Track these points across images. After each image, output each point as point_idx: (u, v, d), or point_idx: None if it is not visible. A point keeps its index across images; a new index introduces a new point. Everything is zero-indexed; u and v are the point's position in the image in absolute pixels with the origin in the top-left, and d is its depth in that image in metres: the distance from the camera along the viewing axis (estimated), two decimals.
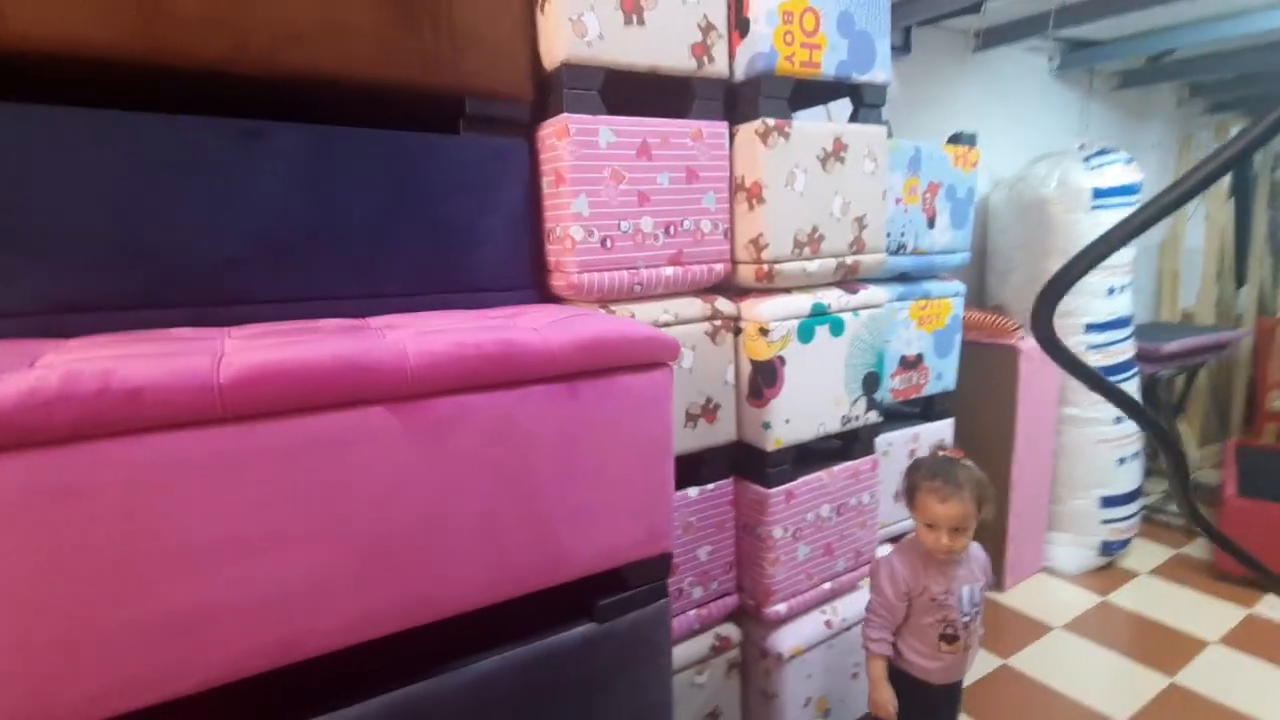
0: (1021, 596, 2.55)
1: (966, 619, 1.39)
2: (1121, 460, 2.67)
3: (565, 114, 1.28)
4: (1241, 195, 3.93)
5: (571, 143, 1.27)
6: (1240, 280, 3.99)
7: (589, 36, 1.27)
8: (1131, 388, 2.69)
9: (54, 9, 0.94)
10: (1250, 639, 2.24)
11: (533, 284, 1.41)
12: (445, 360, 0.84)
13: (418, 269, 1.24)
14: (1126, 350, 2.64)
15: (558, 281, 1.38)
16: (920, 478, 1.36)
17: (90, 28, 0.96)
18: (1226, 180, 3.84)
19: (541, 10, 1.29)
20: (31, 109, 0.94)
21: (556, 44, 1.26)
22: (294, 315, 1.09)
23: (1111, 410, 2.61)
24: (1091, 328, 2.57)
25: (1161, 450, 0.47)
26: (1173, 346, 2.89)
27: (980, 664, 2.15)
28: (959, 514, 1.31)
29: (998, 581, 2.56)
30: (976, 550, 1.46)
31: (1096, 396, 2.60)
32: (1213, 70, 3.15)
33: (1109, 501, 2.66)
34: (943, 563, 1.38)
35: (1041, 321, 0.41)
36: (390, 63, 1.16)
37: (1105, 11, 2.34)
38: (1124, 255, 2.56)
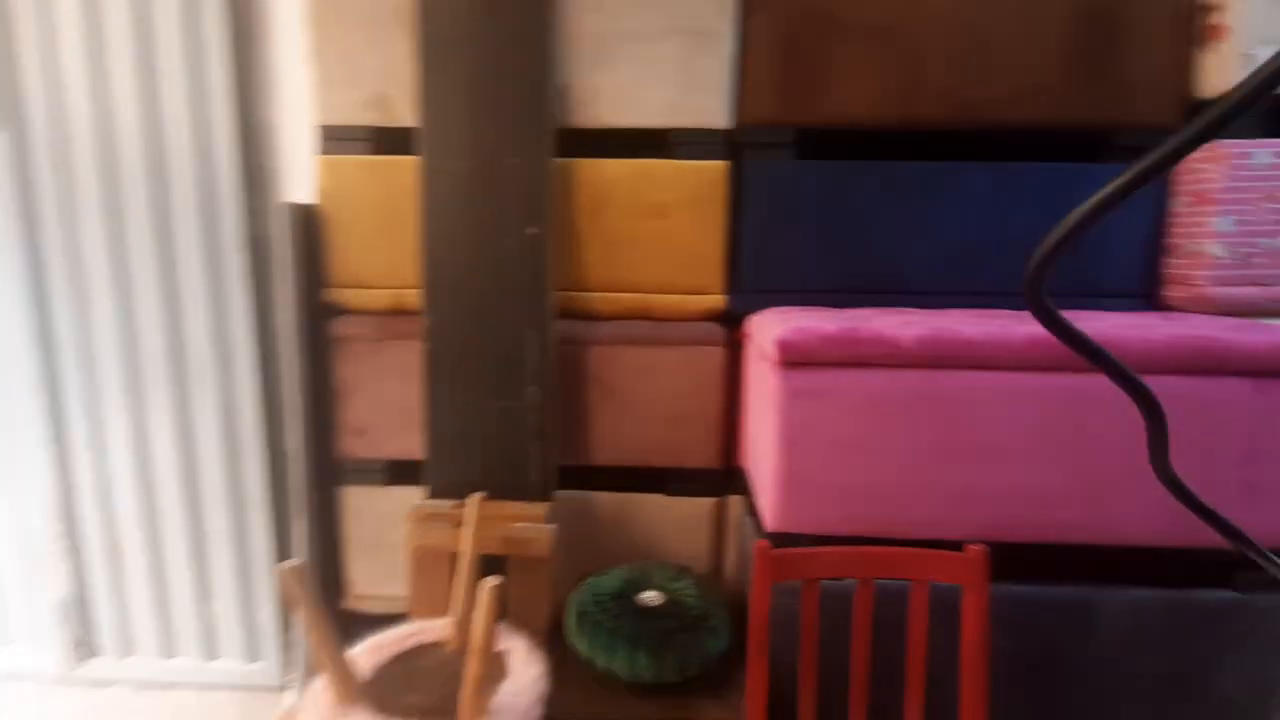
0: None
1: None
2: None
3: (1220, 140, 1.40)
4: None
5: (1227, 166, 1.40)
6: None
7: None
8: None
9: (853, 96, 1.48)
10: None
11: (1144, 294, 1.57)
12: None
13: (1059, 276, 1.52)
14: None
15: (1176, 293, 1.51)
16: None
17: (871, 106, 1.49)
18: None
19: (1206, 49, 1.43)
20: (840, 163, 1.51)
21: (1226, 78, 1.40)
22: (968, 306, 1.48)
23: None
24: None
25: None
26: None
27: None
28: None
29: None
30: None
31: None
32: None
33: None
34: None
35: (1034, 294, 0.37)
36: (1065, 111, 1.46)
37: None
38: None
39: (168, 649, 2.00)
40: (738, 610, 1.38)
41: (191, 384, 1.84)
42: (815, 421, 1.16)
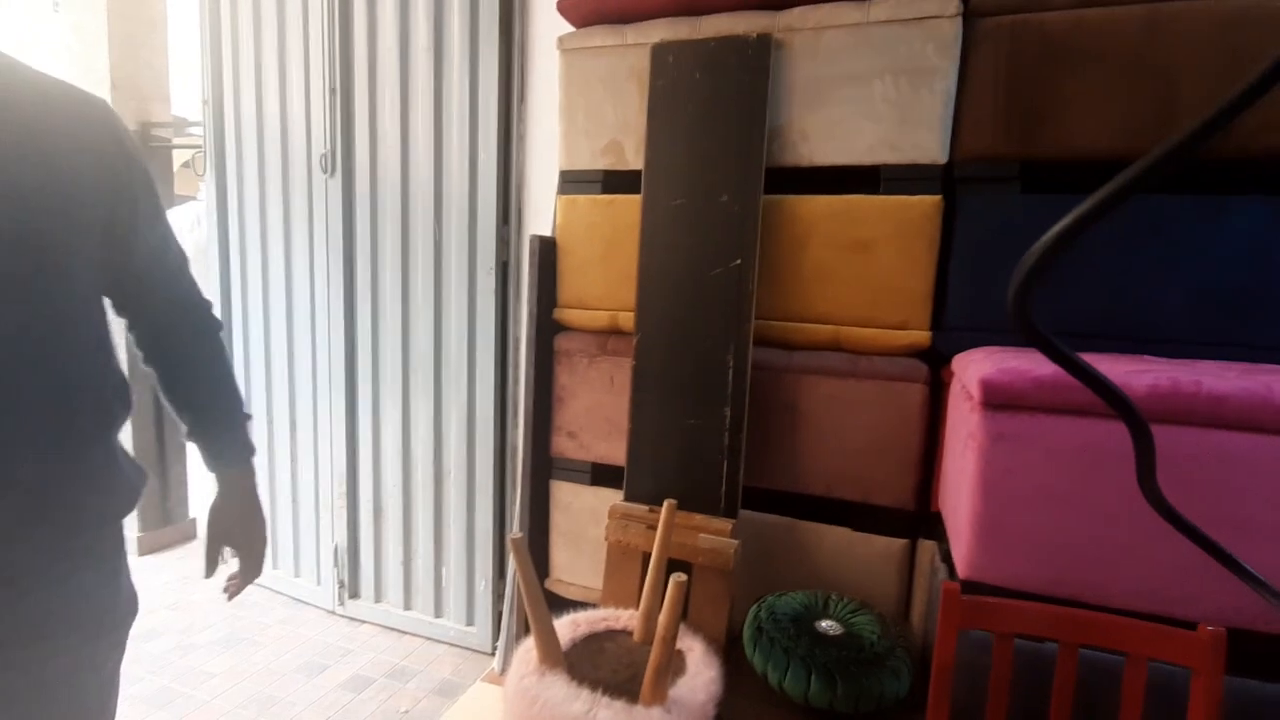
0: None
1: None
2: None
3: None
4: None
5: None
6: None
7: None
8: None
9: (1090, 127, 1.39)
10: None
11: None
12: None
13: None
14: None
15: None
16: None
17: (1112, 137, 1.38)
18: None
19: None
20: (1072, 197, 1.41)
21: None
22: (1229, 359, 1.30)
23: None
24: None
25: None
26: None
27: None
28: None
29: None
30: None
31: None
32: None
33: None
34: None
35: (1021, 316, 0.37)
36: None
37: None
38: None
39: (407, 601, 2.39)
40: (923, 659, 1.34)
41: (447, 382, 2.22)
42: (1019, 469, 1.10)
